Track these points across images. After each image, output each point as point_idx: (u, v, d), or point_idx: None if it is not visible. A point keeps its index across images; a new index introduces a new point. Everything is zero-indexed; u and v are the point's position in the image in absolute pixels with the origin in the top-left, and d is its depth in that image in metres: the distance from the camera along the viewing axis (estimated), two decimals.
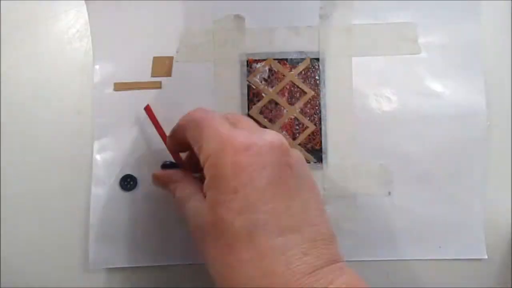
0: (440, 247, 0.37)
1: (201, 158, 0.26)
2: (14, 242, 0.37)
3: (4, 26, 0.39)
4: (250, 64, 0.38)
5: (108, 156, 0.37)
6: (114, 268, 0.37)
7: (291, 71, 0.38)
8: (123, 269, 0.37)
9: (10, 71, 0.38)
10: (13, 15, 0.39)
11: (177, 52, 0.38)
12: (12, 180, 0.38)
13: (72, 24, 0.39)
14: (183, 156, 0.34)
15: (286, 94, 0.38)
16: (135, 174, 0.37)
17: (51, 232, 0.37)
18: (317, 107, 0.38)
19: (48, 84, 0.38)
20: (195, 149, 0.27)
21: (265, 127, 0.37)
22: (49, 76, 0.38)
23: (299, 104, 0.38)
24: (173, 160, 0.34)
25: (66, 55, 0.39)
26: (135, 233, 0.37)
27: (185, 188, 0.29)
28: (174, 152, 0.33)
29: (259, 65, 0.38)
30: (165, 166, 0.35)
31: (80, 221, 0.37)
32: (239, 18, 0.38)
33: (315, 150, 0.37)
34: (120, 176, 0.37)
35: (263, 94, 0.38)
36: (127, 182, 0.37)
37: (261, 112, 0.38)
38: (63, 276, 0.37)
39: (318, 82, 0.38)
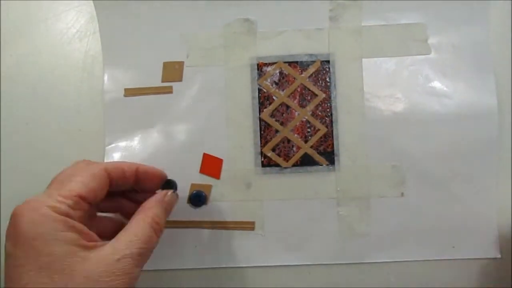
0: (453, 247, 0.37)
1: None
2: None
3: (4, 26, 0.39)
4: (260, 68, 0.38)
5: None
6: None
7: (301, 73, 0.38)
8: None
9: (10, 71, 0.38)
10: (13, 15, 0.39)
11: (187, 56, 0.38)
12: (13, 180, 0.38)
13: (72, 24, 0.39)
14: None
15: (297, 96, 0.38)
16: None
17: None
18: (328, 109, 0.38)
19: (48, 84, 0.38)
20: None
21: (277, 130, 0.37)
22: (49, 76, 0.38)
23: (310, 107, 0.38)
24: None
25: (66, 55, 0.39)
26: None
27: None
28: None
29: (269, 68, 0.38)
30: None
31: None
32: (249, 21, 0.38)
33: (327, 152, 0.37)
34: None
35: (274, 97, 0.38)
36: None
37: (272, 115, 0.38)
38: None
39: (328, 84, 0.38)
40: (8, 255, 0.25)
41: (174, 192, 0.32)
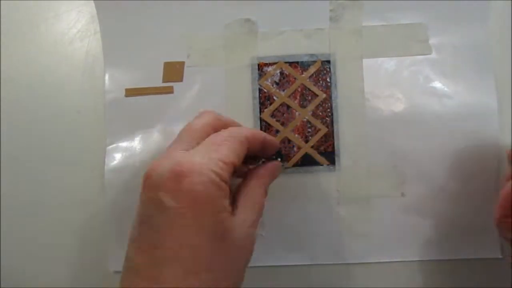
0: (454, 247, 0.37)
1: None
2: (28, 246, 0.38)
3: (4, 26, 0.39)
4: (261, 68, 0.38)
5: (120, 162, 0.37)
6: None
7: (302, 74, 0.38)
8: None
9: (10, 71, 0.39)
10: (13, 15, 0.39)
11: (188, 57, 0.38)
12: (13, 181, 0.38)
13: (73, 24, 0.39)
14: None
15: (298, 97, 0.38)
16: None
17: (68, 237, 0.37)
18: (328, 110, 0.38)
19: (49, 84, 0.38)
20: None
21: (277, 130, 0.38)
22: (49, 76, 0.38)
23: (311, 107, 0.38)
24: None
25: (67, 55, 0.39)
26: None
27: None
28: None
29: (270, 68, 0.38)
30: None
31: (96, 223, 0.38)
32: (249, 22, 0.38)
33: (327, 152, 0.37)
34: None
35: (274, 98, 0.38)
36: None
37: (273, 116, 0.38)
38: (82, 279, 0.38)
39: (329, 84, 0.38)
40: (168, 209, 0.24)
41: (282, 164, 0.33)
